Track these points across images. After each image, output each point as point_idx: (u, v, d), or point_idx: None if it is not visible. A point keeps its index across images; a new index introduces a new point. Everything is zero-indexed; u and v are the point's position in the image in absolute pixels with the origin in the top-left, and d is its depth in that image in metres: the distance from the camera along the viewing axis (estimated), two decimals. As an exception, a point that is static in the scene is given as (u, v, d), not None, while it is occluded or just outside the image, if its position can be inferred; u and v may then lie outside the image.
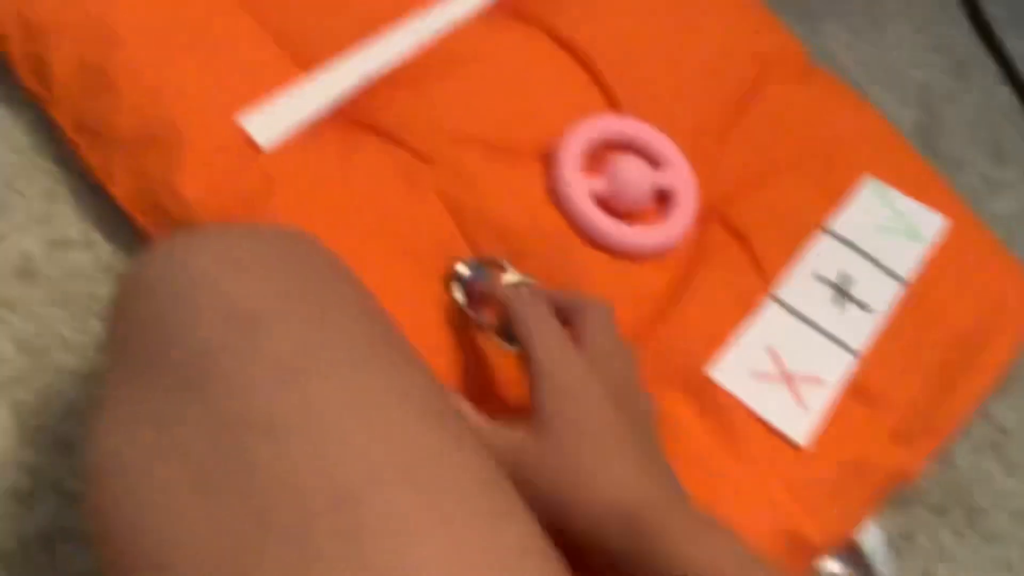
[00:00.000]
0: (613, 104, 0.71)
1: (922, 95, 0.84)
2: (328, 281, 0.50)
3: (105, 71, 0.62)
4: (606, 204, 0.66)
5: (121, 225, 0.64)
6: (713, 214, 0.69)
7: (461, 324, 0.61)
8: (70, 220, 0.64)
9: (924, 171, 0.74)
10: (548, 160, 0.67)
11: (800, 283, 0.66)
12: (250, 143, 0.62)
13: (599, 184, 0.66)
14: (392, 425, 0.43)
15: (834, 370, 0.64)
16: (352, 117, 0.66)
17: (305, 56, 0.66)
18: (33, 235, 0.63)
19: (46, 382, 0.59)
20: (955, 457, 0.70)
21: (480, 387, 0.59)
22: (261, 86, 0.64)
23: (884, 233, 0.69)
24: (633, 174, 0.66)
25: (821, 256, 0.68)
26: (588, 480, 0.49)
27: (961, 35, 0.88)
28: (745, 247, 0.68)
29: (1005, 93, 0.86)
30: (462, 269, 0.60)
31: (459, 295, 0.60)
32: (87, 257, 0.63)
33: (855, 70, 0.83)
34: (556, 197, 0.66)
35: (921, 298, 0.68)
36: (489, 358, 0.60)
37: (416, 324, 0.55)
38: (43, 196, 0.64)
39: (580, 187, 0.66)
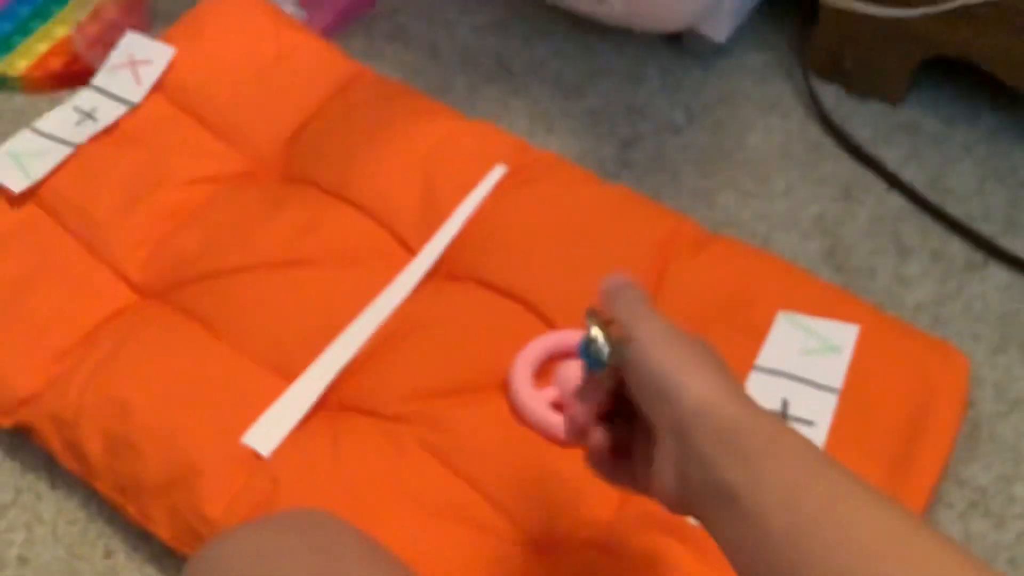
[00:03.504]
0: (548, 322, 0.82)
1: (820, 225, 0.94)
2: (333, 544, 0.60)
3: (126, 437, 0.75)
4: (564, 407, 0.76)
5: (173, 560, 0.75)
6: (658, 386, 0.79)
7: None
8: (129, 569, 0.75)
9: (830, 291, 0.84)
10: (506, 387, 0.78)
11: (747, 421, 0.75)
12: (255, 455, 0.74)
13: (552, 392, 0.77)
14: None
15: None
16: (332, 404, 0.78)
17: (284, 366, 0.79)
18: (101, 590, 0.74)
19: None
20: (944, 527, 0.75)
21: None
22: (254, 405, 0.76)
23: (807, 355, 0.78)
24: (574, 374, 0.76)
25: (759, 392, 0.75)
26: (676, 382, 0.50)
27: (840, 164, 0.99)
28: (693, 405, 0.77)
29: (894, 198, 0.96)
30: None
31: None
32: (149, 594, 0.74)
33: (756, 224, 0.95)
34: (518, 415, 0.76)
35: (857, 400, 0.76)
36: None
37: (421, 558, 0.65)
38: (102, 554, 0.75)
39: (535, 400, 0.76)
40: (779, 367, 0.78)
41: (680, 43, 1.09)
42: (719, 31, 1.05)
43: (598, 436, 0.58)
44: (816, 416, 0.75)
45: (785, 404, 0.76)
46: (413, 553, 0.67)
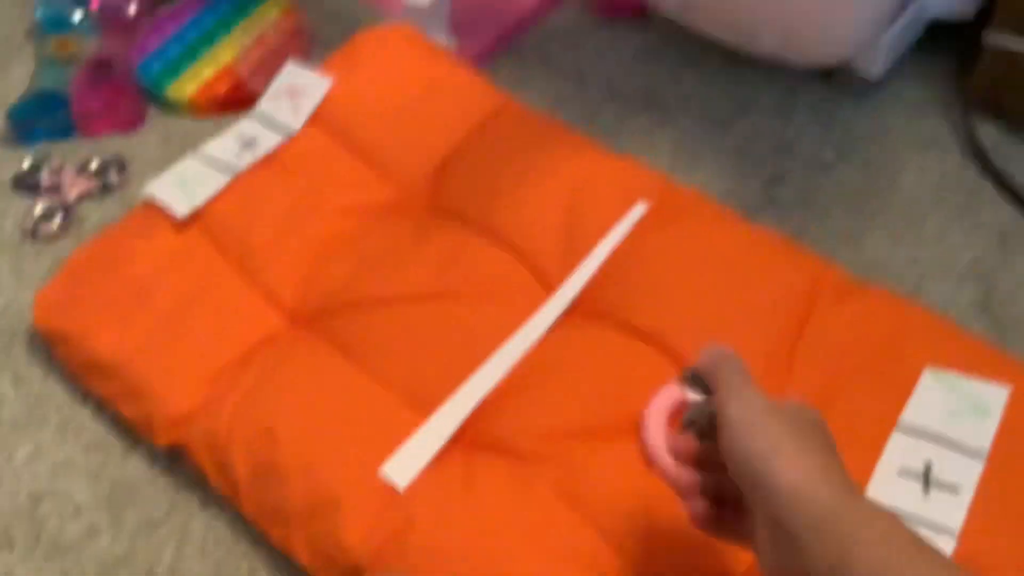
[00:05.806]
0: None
1: (975, 272, 0.91)
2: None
3: (272, 464, 0.78)
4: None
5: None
6: (795, 440, 0.77)
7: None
8: (271, 588, 0.78)
9: (981, 347, 0.81)
10: (639, 433, 0.78)
11: (886, 483, 0.73)
12: (390, 488, 0.76)
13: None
14: None
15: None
16: (467, 440, 0.79)
17: (421, 400, 0.81)
18: (244, 609, 0.77)
19: None
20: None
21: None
22: (390, 437, 0.79)
23: (955, 417, 0.76)
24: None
25: (901, 453, 0.74)
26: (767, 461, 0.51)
27: (998, 209, 0.95)
28: (830, 462, 0.75)
29: (1055, 247, 0.92)
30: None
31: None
32: (289, 616, 0.77)
33: (906, 269, 0.92)
34: (651, 464, 0.76)
35: (1005, 466, 0.73)
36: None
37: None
38: (246, 573, 0.79)
39: (665, 451, 0.76)
40: (924, 427, 0.76)
41: (832, 77, 1.07)
42: (874, 66, 1.02)
43: (699, 506, 0.61)
44: (961, 481, 0.73)
45: (928, 467, 0.74)
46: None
